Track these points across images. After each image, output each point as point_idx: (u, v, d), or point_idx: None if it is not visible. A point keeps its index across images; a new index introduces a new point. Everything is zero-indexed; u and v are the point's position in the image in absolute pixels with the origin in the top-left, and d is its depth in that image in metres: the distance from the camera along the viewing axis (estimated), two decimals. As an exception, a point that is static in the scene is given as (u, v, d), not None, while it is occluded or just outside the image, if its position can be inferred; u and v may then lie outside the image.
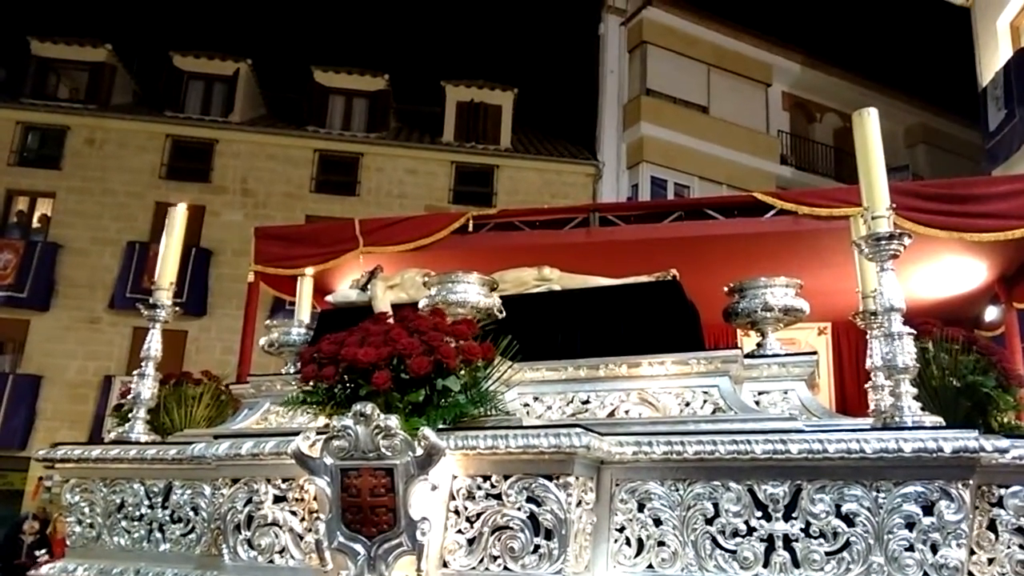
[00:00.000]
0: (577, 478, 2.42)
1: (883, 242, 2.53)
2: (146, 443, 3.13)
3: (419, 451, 2.41)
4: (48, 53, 19.22)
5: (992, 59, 15.50)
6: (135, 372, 3.25)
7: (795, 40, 20.25)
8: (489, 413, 2.62)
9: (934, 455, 2.25)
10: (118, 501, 3.11)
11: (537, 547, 2.39)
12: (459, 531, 2.47)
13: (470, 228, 6.65)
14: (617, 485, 2.59)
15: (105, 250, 17.92)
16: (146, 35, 20.66)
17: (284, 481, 2.65)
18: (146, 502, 3.06)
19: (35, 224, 18.45)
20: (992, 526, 2.51)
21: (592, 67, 19.67)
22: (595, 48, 19.63)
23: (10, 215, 18.33)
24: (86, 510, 3.15)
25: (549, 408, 3.05)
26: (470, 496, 2.48)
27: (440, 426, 2.48)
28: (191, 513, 3.00)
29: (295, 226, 10.40)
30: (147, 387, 3.20)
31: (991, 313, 7.12)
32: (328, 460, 2.47)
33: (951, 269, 6.42)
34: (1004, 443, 2.30)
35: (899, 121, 20.02)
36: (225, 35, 20.96)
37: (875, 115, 2.74)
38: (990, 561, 2.51)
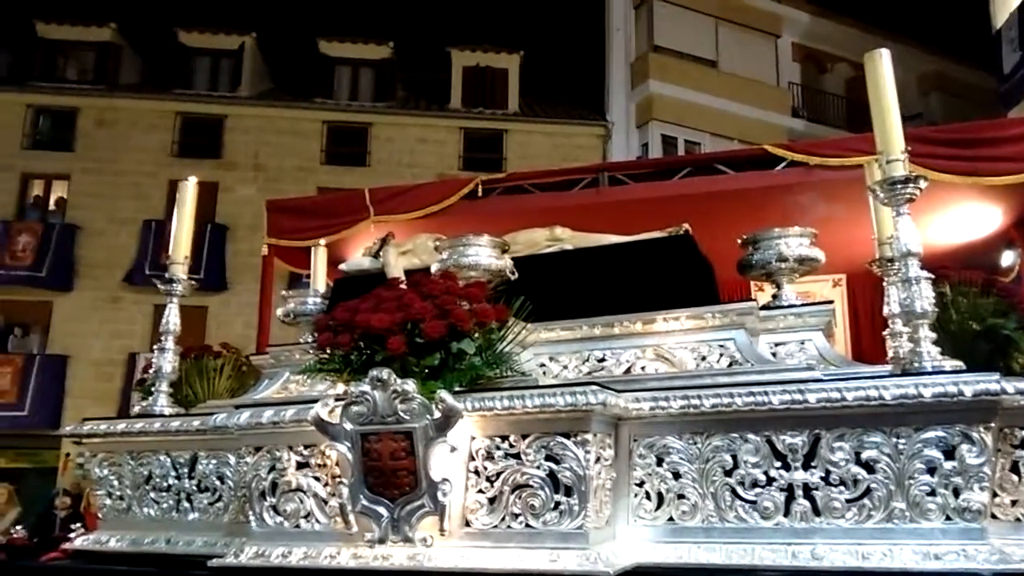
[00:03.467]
0: (595, 435, 2.42)
1: (899, 186, 2.49)
2: (170, 415, 3.17)
3: (437, 414, 2.43)
4: (54, 35, 19.22)
5: (1006, 0, 15.17)
6: (155, 346, 3.29)
7: (804, -11, 19.88)
8: (505, 375, 2.63)
9: (955, 399, 2.23)
10: (145, 473, 3.16)
11: (557, 504, 2.40)
12: (480, 491, 2.49)
13: (480, 193, 6.64)
14: (635, 441, 2.60)
15: (122, 229, 18.06)
16: (150, 13, 20.53)
17: (306, 448, 2.67)
18: (173, 473, 3.11)
19: (51, 207, 18.60)
20: (1015, 468, 2.50)
21: (598, 26, 19.39)
22: (600, 6, 19.33)
23: (27, 198, 18.48)
24: (115, 483, 3.21)
25: (565, 368, 3.06)
26: (489, 456, 2.50)
27: (456, 389, 2.49)
28: (217, 482, 3.05)
29: (306, 198, 10.41)
30: (168, 361, 3.24)
31: (1007, 258, 7.04)
32: (348, 426, 2.50)
33: (966, 215, 6.34)
34: (1027, 383, 2.28)
35: (912, 69, 19.62)
36: (229, 9, 20.79)
37: (887, 56, 2.68)
38: (1013, 503, 2.51)
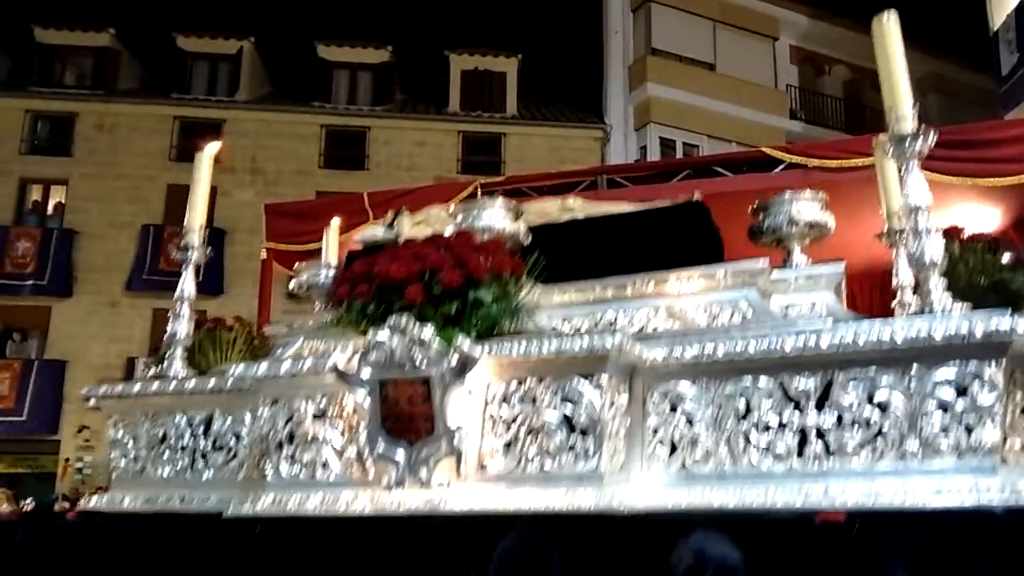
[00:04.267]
0: (611, 379, 2.45)
1: (908, 141, 2.53)
2: (185, 377, 3.20)
3: (454, 360, 2.46)
4: (52, 40, 19.29)
5: (1003, 1, 15.29)
6: (171, 312, 3.34)
7: (801, -9, 20.01)
8: (520, 326, 2.66)
9: (966, 339, 2.25)
10: (161, 433, 3.19)
11: (573, 446, 2.43)
12: (496, 435, 2.52)
13: (479, 196, 6.68)
14: (649, 389, 2.62)
15: (121, 234, 18.09)
16: (148, 17, 20.66)
17: (323, 398, 2.70)
18: (188, 433, 3.14)
19: (50, 211, 18.63)
20: (1025, 411, 2.53)
21: (596, 29, 19.52)
22: (598, 9, 19.47)
23: (26, 203, 18.52)
24: (130, 444, 3.24)
25: (577, 330, 3.07)
26: (505, 401, 2.53)
27: (473, 336, 2.52)
28: (232, 441, 3.07)
29: (305, 202, 10.46)
30: (183, 327, 3.29)
31: (1005, 259, 7.05)
32: (366, 373, 2.53)
33: (964, 217, 6.35)
34: (1038, 321, 2.29)
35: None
36: (227, 14, 20.93)
37: (895, 18, 2.73)
38: (1023, 446, 2.53)
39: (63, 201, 18.55)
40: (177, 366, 3.28)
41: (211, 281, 17.01)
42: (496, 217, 3.17)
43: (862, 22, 19.61)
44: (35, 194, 18.73)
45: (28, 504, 9.03)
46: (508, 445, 2.50)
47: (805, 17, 19.88)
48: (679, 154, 17.47)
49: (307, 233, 6.73)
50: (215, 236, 17.64)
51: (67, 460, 16.56)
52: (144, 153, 18.59)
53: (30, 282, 17.31)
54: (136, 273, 17.84)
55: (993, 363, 2.28)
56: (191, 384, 3.09)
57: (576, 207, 3.66)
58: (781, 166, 6.18)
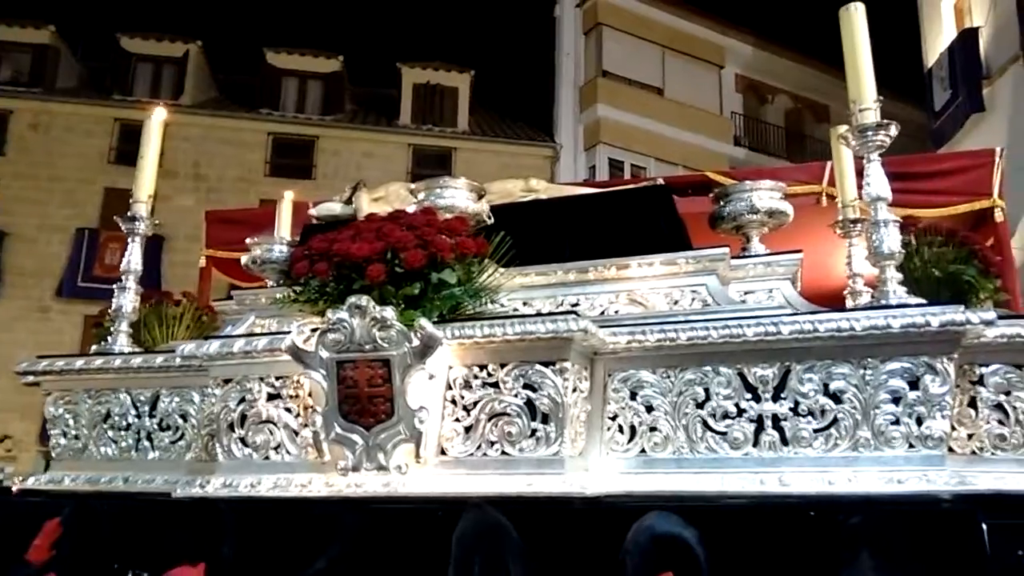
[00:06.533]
0: (573, 365, 2.44)
1: (870, 133, 2.60)
2: (131, 352, 3.08)
3: (416, 342, 2.41)
4: (-12, 35, 18.69)
5: (936, 40, 15.97)
6: (116, 286, 3.21)
7: (747, 22, 20.66)
8: (484, 307, 2.63)
9: (921, 330, 2.30)
10: (104, 412, 3.06)
11: (534, 431, 2.40)
12: (456, 420, 2.48)
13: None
14: (610, 376, 2.62)
15: (53, 237, 17.52)
16: (91, 16, 20.21)
17: (278, 379, 2.62)
18: (132, 412, 3.01)
19: (-22, 211, 17.93)
20: (972, 403, 2.59)
21: (548, 49, 19.79)
22: (551, 30, 19.75)
23: (-48, 202, 17.79)
24: (71, 422, 3.09)
25: (539, 313, 3.05)
26: (467, 385, 2.49)
27: (435, 318, 2.49)
28: (180, 420, 2.96)
29: (247, 209, 10.23)
30: (128, 300, 3.16)
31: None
32: (324, 354, 2.46)
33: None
34: (990, 315, 2.36)
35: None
36: (174, 16, 20.63)
37: (862, 10, 2.82)
38: (970, 436, 2.60)
39: (-8, 201, 17.89)
40: (122, 341, 3.15)
41: (149, 288, 16.53)
42: (459, 196, 3.14)
43: (804, 54, 20.38)
44: (-37, 193, 18.02)
45: None
46: (468, 429, 2.46)
47: (750, 47, 20.47)
48: (627, 175, 17.75)
49: (249, 241, 6.55)
50: (153, 242, 17.21)
51: (-14, 470, 15.85)
52: (81, 155, 18.08)
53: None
54: (69, 278, 17.27)
55: (945, 356, 2.34)
56: (137, 361, 2.97)
57: (539, 188, 3.65)
58: (724, 191, 6.28)
